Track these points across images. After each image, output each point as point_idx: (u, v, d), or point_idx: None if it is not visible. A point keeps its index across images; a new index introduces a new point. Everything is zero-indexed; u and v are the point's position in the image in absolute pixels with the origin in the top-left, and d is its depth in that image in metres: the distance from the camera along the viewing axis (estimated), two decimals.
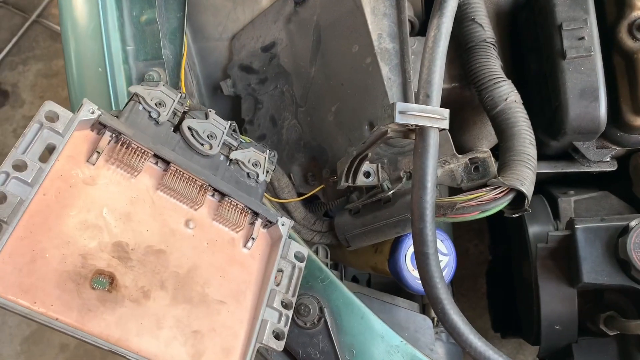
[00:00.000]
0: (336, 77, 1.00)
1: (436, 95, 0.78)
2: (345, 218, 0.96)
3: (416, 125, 0.75)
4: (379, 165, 0.93)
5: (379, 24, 0.97)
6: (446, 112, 0.76)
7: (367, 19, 0.95)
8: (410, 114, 0.74)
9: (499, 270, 1.45)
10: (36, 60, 2.46)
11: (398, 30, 0.97)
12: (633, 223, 0.83)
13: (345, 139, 0.96)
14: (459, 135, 1.07)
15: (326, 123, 1.00)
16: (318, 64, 1.03)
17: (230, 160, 0.81)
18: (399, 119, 0.73)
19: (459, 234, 2.03)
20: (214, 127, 0.80)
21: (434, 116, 0.75)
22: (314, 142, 1.03)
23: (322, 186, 1.00)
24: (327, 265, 0.98)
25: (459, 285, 1.97)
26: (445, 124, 0.76)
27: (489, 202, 0.82)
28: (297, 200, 1.00)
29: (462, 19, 0.95)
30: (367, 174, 0.92)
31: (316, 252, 1.01)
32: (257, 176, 0.83)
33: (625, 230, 0.83)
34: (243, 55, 1.14)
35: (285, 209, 1.00)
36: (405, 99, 0.93)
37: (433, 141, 0.76)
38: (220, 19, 1.15)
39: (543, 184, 1.12)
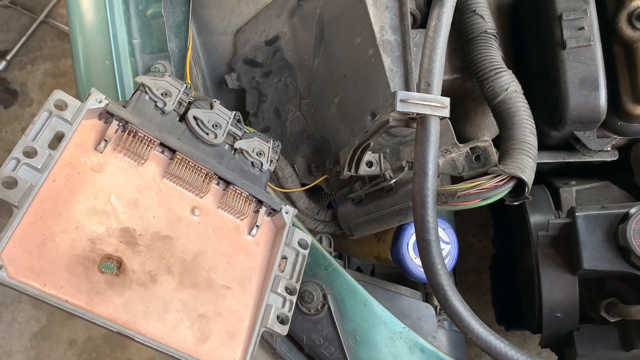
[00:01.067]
0: (339, 69, 1.01)
1: (437, 83, 0.79)
2: (348, 207, 0.98)
3: (417, 114, 0.76)
4: (381, 155, 0.94)
5: (381, 17, 0.98)
6: (447, 100, 0.77)
7: (369, 12, 0.96)
8: (411, 102, 0.75)
9: (502, 263, 1.46)
10: (44, 59, 2.49)
11: (400, 22, 0.99)
12: (633, 210, 0.84)
13: (348, 130, 0.98)
14: (461, 126, 1.08)
15: (329, 114, 1.01)
16: (321, 57, 1.04)
17: (235, 149, 0.83)
18: (400, 107, 0.74)
19: (464, 229, 2.04)
20: (219, 117, 0.82)
21: (434, 104, 0.76)
22: (318, 133, 1.04)
23: (325, 176, 1.01)
24: (330, 254, 0.99)
25: (464, 280, 1.98)
26: (446, 112, 0.77)
27: (490, 190, 0.83)
28: (301, 190, 1.02)
29: (463, 10, 0.97)
30: (369, 164, 0.93)
31: (320, 241, 1.02)
32: (261, 165, 0.85)
33: (626, 217, 0.84)
34: (247, 49, 1.15)
35: (289, 199, 1.01)
36: (407, 89, 0.94)
37: (434, 129, 0.77)
38: (225, 13, 1.17)
39: (545, 174, 1.13)
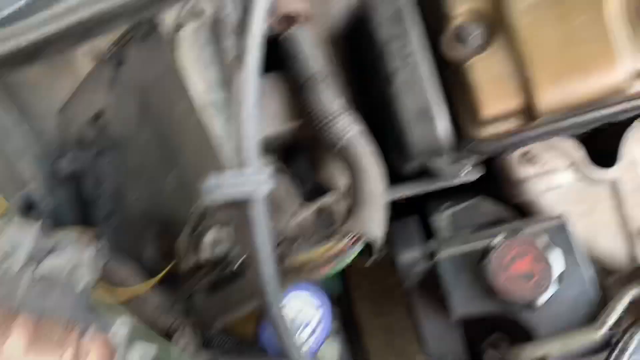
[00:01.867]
0: (168, 140, 0.91)
1: (253, 157, 0.71)
2: (199, 299, 0.88)
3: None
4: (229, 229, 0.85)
5: (204, 75, 0.89)
6: (266, 173, 0.69)
7: (187, 73, 0.87)
8: (223, 190, 0.66)
9: None
10: None
11: (227, 77, 0.90)
12: (494, 242, 0.79)
13: (188, 209, 0.88)
14: (318, 173, 1.00)
15: (167, 193, 0.91)
16: (149, 129, 0.94)
17: (38, 274, 0.71)
18: (210, 199, 0.66)
19: None
20: (11, 241, 0.70)
21: (253, 183, 0.68)
22: (161, 215, 0.94)
23: (174, 262, 0.91)
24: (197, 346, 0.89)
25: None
26: (268, 187, 0.69)
27: (344, 253, 0.77)
28: (148, 288, 0.91)
29: (286, 57, 0.89)
30: (215, 243, 0.84)
31: (182, 336, 0.92)
32: (78, 281, 0.74)
33: (486, 252, 0.78)
34: (74, 130, 1.03)
35: (135, 302, 0.90)
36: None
37: (259, 209, 0.69)
38: (42, 93, 1.05)
39: (418, 201, 1.07)
